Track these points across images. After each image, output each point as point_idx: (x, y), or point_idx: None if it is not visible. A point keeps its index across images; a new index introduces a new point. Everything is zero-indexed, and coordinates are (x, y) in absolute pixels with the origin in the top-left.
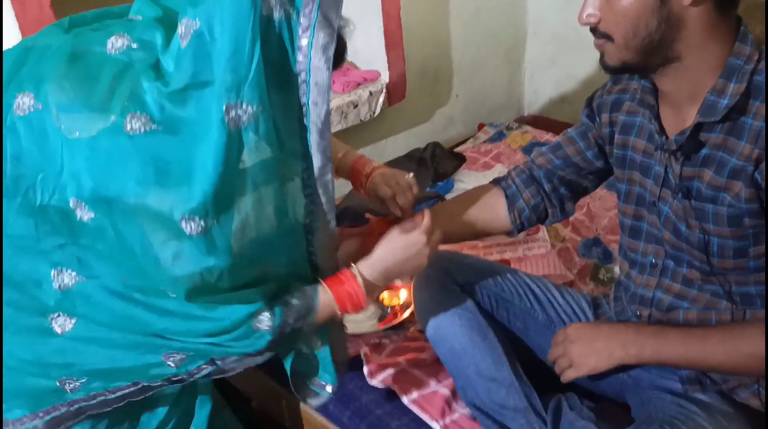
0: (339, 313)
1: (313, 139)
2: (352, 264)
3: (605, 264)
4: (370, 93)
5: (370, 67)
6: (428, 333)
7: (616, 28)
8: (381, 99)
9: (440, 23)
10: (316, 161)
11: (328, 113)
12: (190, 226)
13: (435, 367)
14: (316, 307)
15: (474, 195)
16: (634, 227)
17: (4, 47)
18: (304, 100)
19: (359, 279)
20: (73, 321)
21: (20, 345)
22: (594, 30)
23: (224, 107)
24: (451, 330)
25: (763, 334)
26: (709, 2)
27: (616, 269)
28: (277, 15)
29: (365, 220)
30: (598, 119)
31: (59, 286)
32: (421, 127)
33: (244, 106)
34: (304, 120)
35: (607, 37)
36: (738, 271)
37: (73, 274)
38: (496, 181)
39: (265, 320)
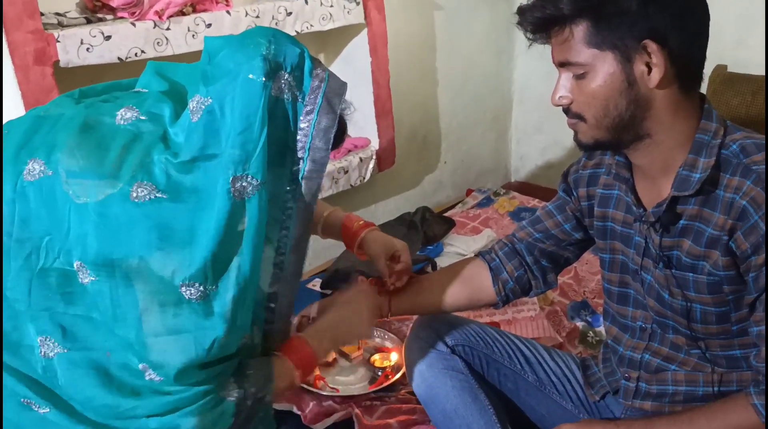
0: (297, 379)
1: (298, 208)
2: (297, 333)
3: (593, 326)
4: (361, 159)
5: (360, 134)
6: (420, 395)
7: (587, 109)
8: (371, 165)
9: (429, 91)
10: (296, 231)
11: (318, 188)
12: (190, 292)
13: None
14: (273, 376)
15: (459, 268)
16: (622, 294)
17: (6, 112)
18: (298, 174)
19: (309, 342)
20: (48, 405)
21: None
22: (567, 110)
23: (230, 179)
24: (443, 391)
25: (745, 406)
26: (674, 84)
27: (603, 331)
28: (285, 96)
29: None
30: (575, 193)
31: (44, 353)
32: (411, 191)
33: (249, 178)
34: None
35: (580, 118)
36: (722, 336)
37: (56, 344)
38: (480, 255)
39: (232, 389)
